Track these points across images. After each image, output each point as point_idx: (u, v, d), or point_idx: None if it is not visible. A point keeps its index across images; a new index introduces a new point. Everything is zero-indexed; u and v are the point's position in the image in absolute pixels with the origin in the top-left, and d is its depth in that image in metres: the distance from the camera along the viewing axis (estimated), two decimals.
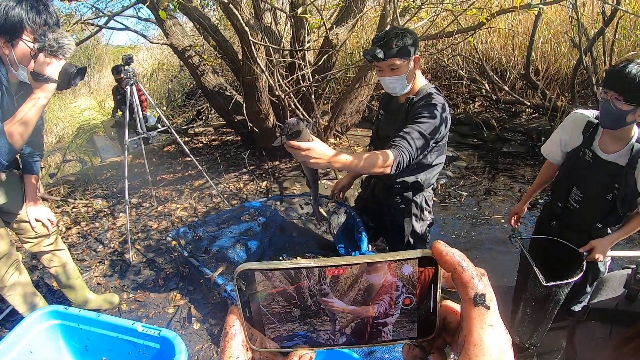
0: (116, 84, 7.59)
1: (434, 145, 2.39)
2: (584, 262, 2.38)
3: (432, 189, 2.74)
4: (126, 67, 3.97)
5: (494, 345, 0.38)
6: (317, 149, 1.79)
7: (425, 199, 2.71)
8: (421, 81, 2.46)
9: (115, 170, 6.46)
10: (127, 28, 5.13)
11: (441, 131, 2.32)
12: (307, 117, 4.75)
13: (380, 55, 2.25)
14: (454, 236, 4.41)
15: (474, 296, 0.39)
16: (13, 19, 1.99)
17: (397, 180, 2.58)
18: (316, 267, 0.43)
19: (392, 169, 2.14)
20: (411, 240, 2.79)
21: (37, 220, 2.75)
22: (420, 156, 2.30)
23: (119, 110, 7.87)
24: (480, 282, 0.39)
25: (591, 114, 2.39)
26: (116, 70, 7.07)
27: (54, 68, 2.04)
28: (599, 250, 2.44)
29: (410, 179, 2.57)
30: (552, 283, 2.37)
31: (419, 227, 2.76)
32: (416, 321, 0.45)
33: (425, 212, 2.75)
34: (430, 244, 2.87)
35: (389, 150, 2.15)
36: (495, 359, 0.37)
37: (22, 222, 2.73)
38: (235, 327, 0.45)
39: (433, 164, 2.55)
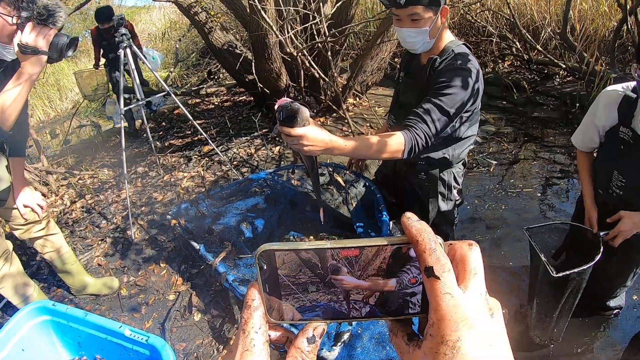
0: (98, 31, 6.46)
1: (464, 116, 2.00)
2: (601, 245, 2.10)
3: (462, 164, 2.34)
4: (119, 30, 3.59)
5: (451, 312, 0.39)
6: (310, 135, 1.53)
7: (455, 176, 2.31)
8: (447, 37, 2.02)
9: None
10: None
11: (470, 102, 1.92)
12: (311, 97, 4.33)
13: (399, 1, 1.83)
14: (483, 210, 4.01)
15: (424, 269, 0.40)
16: None
17: (421, 156, 2.19)
18: (331, 248, 0.45)
19: (403, 155, 1.81)
20: (436, 223, 2.42)
21: (25, 207, 2.53)
22: (443, 134, 1.93)
23: (103, 61, 6.76)
24: (431, 255, 0.40)
25: (624, 87, 1.99)
26: (103, 17, 6.03)
27: (43, 39, 1.76)
28: (627, 224, 2.08)
29: (436, 154, 2.18)
30: (562, 273, 2.08)
31: (446, 207, 2.37)
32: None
33: (454, 191, 2.36)
34: (457, 227, 2.52)
35: (400, 132, 1.81)
36: (455, 322, 0.39)
37: (10, 209, 2.53)
38: (257, 301, 0.47)
39: (463, 137, 2.15)
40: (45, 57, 1.79)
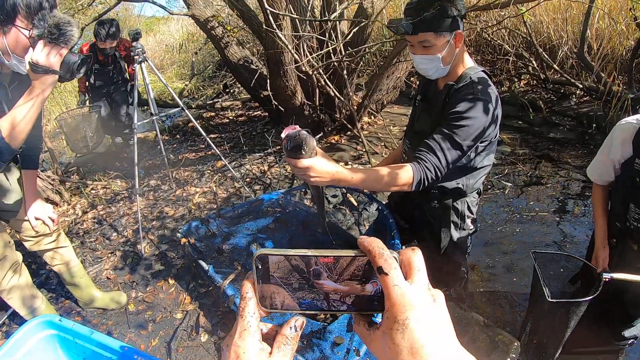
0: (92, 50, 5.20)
1: (480, 146, 1.95)
2: (600, 286, 2.10)
3: (477, 192, 2.27)
4: (134, 44, 3.57)
5: (398, 298, 0.50)
6: (317, 167, 1.50)
7: (469, 205, 2.25)
8: (467, 63, 1.96)
9: (139, 147, 6.16)
10: None
11: (488, 132, 1.86)
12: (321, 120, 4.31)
13: (405, 29, 1.79)
14: (496, 234, 3.94)
15: (377, 269, 0.52)
16: (5, 2, 1.69)
17: (434, 185, 2.14)
18: (312, 255, 0.57)
19: (411, 188, 1.77)
20: (448, 252, 2.37)
21: (36, 219, 2.52)
22: (457, 164, 1.89)
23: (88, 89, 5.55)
24: (380, 258, 0.52)
25: (639, 119, 1.96)
26: (106, 33, 4.87)
27: (55, 58, 1.72)
28: None
29: (449, 184, 2.12)
30: (557, 300, 2.16)
31: (459, 236, 2.31)
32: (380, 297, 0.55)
33: (468, 221, 2.28)
34: (470, 254, 2.48)
35: (409, 165, 1.76)
36: (403, 306, 0.50)
37: (21, 221, 2.52)
38: (250, 293, 0.59)
39: (478, 166, 2.08)
40: (56, 76, 1.75)
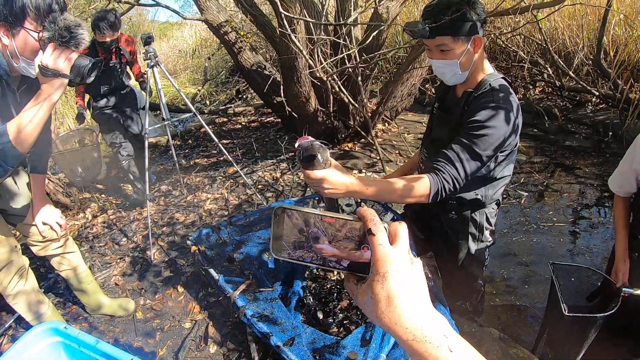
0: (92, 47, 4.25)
1: (500, 156, 1.89)
2: (620, 301, 2.06)
3: (496, 203, 2.21)
4: (146, 48, 3.53)
5: (381, 255, 0.61)
6: (330, 178, 1.47)
7: (487, 216, 2.18)
8: (487, 70, 1.90)
9: (151, 152, 6.14)
10: (158, 4, 4.75)
11: (508, 141, 1.79)
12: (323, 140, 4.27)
13: (422, 32, 1.73)
14: (513, 245, 3.86)
15: (367, 231, 0.63)
16: (15, 3, 1.67)
17: (452, 196, 2.07)
18: (319, 214, 0.67)
19: (428, 199, 1.71)
20: (465, 264, 2.30)
21: (44, 224, 2.49)
22: (472, 178, 1.82)
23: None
24: (370, 222, 0.63)
25: None
26: (106, 23, 4.02)
27: (65, 61, 1.69)
28: None
29: (468, 195, 2.06)
30: (574, 314, 2.09)
31: (476, 248, 2.24)
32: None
33: (486, 233, 2.22)
34: (487, 267, 2.41)
35: (426, 176, 1.71)
36: (384, 261, 0.60)
37: (28, 225, 2.49)
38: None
39: (498, 177, 2.03)
40: (66, 80, 1.72)
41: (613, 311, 2.02)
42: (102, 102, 4.51)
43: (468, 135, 1.73)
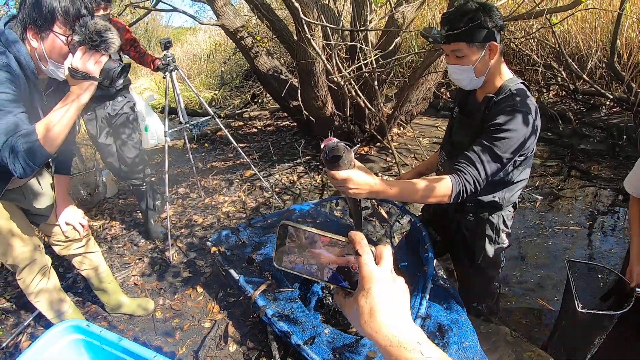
0: None
1: (518, 160, 1.93)
2: (632, 301, 2.08)
3: (512, 206, 2.25)
4: (165, 52, 3.58)
5: (367, 273, 0.71)
6: (355, 179, 1.51)
7: (504, 219, 2.22)
8: (506, 75, 1.95)
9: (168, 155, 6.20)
10: (174, 9, 4.82)
11: (527, 144, 1.84)
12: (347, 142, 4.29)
13: (437, 37, 1.81)
14: (529, 248, 3.87)
15: (355, 252, 0.73)
16: (44, 7, 1.71)
17: (471, 198, 2.11)
18: (317, 233, 0.76)
19: (450, 200, 1.75)
20: (482, 266, 2.34)
21: (67, 224, 2.53)
22: (494, 178, 1.87)
23: None
24: (359, 244, 0.73)
25: None
26: None
27: (94, 64, 1.74)
28: None
29: (486, 198, 2.11)
30: (587, 311, 2.11)
31: (492, 251, 2.28)
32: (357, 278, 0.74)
33: (502, 235, 2.26)
34: (503, 269, 2.44)
35: (448, 177, 1.75)
36: (369, 279, 0.71)
37: (51, 225, 2.53)
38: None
39: (515, 180, 2.07)
40: (95, 83, 1.77)
41: (626, 309, 2.04)
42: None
43: (489, 138, 1.78)
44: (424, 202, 1.85)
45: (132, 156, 3.76)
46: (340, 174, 1.49)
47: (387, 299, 0.70)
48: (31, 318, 3.05)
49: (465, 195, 1.76)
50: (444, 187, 1.73)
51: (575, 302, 2.11)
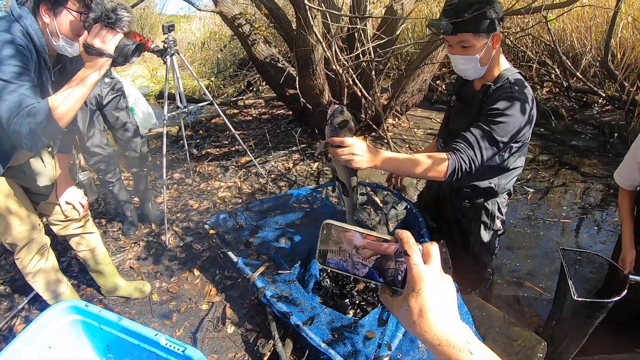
0: None
1: (514, 147, 1.98)
2: (627, 288, 2.16)
3: (507, 193, 2.30)
4: (167, 36, 3.57)
5: (416, 274, 0.70)
6: (359, 145, 1.54)
7: (499, 206, 2.27)
8: (503, 64, 1.99)
9: (160, 142, 6.19)
10: None
11: (523, 132, 1.88)
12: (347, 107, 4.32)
13: (446, 28, 1.81)
14: (520, 239, 3.94)
15: (404, 252, 0.72)
16: None
17: (467, 183, 2.17)
18: (363, 232, 0.76)
19: (445, 176, 1.78)
20: (476, 252, 2.39)
21: (67, 203, 2.55)
22: (491, 163, 1.94)
23: None
24: (407, 244, 0.72)
25: None
26: None
27: (110, 41, 1.77)
28: None
29: (482, 183, 2.15)
30: (583, 299, 2.18)
31: (487, 236, 2.33)
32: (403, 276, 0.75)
33: (497, 221, 2.31)
34: (496, 255, 2.49)
35: (445, 154, 1.79)
36: (418, 279, 0.70)
37: (51, 204, 2.55)
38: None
39: (511, 167, 2.12)
40: (109, 61, 1.79)
41: (621, 297, 2.10)
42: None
43: (487, 122, 1.82)
44: (421, 177, 1.88)
45: (133, 139, 3.74)
46: (348, 140, 1.51)
47: (436, 300, 0.70)
48: (25, 302, 3.05)
49: (460, 174, 1.80)
50: (441, 163, 1.76)
51: (571, 290, 2.16)
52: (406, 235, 0.74)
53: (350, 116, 1.49)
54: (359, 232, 0.76)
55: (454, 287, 0.74)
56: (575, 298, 2.13)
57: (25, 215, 2.37)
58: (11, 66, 1.75)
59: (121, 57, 1.80)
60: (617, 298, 2.10)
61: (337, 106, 1.50)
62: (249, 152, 4.21)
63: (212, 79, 10.04)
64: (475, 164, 1.80)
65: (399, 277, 0.75)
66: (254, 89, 8.88)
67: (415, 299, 0.70)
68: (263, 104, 7.70)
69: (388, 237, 0.76)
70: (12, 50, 1.78)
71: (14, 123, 1.69)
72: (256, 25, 5.38)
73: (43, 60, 1.96)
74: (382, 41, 4.03)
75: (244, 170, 4.94)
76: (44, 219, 2.66)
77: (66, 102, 1.73)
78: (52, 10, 1.83)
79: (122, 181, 3.92)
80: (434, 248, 0.74)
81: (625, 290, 2.12)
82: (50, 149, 2.48)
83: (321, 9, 3.51)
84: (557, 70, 6.55)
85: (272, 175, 4.75)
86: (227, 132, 6.29)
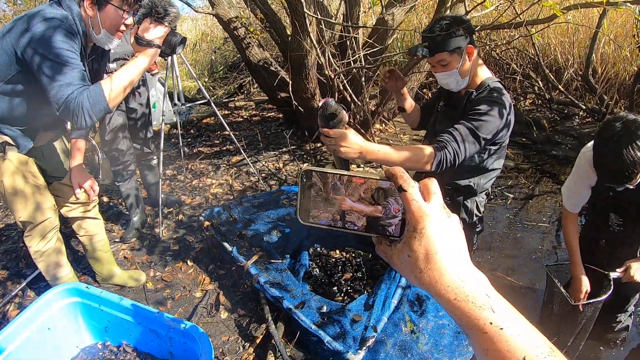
0: None
1: (492, 149, 2.17)
2: (611, 282, 2.33)
3: (485, 194, 2.49)
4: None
5: (416, 210, 0.59)
6: (347, 137, 1.66)
7: (477, 205, 2.46)
8: (484, 73, 2.20)
9: (154, 139, 6.28)
10: None
11: (501, 134, 2.08)
12: (342, 104, 4.48)
13: (423, 53, 2.05)
14: (499, 240, 4.11)
15: (397, 188, 0.61)
16: None
17: (449, 181, 2.35)
18: (347, 175, 0.66)
19: (431, 167, 1.94)
20: None
21: (80, 187, 2.67)
22: (471, 157, 2.08)
23: None
24: (400, 178, 0.61)
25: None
26: None
27: (158, 34, 2.04)
28: (635, 270, 2.31)
29: (462, 182, 2.33)
30: (579, 302, 2.36)
31: (466, 233, 2.49)
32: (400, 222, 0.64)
33: (475, 219, 2.49)
34: (475, 252, 2.65)
35: (431, 146, 1.95)
36: (420, 216, 0.58)
37: (64, 186, 2.68)
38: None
39: (490, 168, 2.30)
40: (158, 51, 2.04)
41: (609, 293, 2.29)
42: None
43: (470, 120, 2.01)
44: (408, 168, 2.02)
45: (143, 129, 3.80)
46: (335, 131, 1.65)
47: (445, 240, 0.57)
48: (19, 288, 3.12)
49: (445, 165, 1.95)
50: (427, 155, 1.92)
51: (568, 299, 2.36)
52: (399, 170, 0.62)
53: (338, 108, 1.61)
54: (343, 174, 0.66)
55: (461, 226, 0.62)
56: (573, 303, 2.34)
57: (42, 195, 2.46)
58: (66, 51, 1.95)
59: (168, 49, 2.07)
60: (605, 296, 2.29)
61: (328, 100, 1.63)
62: (242, 151, 4.34)
63: (206, 79, 10.15)
64: (459, 156, 1.97)
65: (394, 227, 0.64)
66: (245, 91, 9.01)
67: (419, 240, 0.57)
68: (254, 106, 7.84)
69: (377, 176, 0.65)
70: (67, 35, 1.99)
71: (74, 100, 1.87)
72: (252, 29, 5.52)
73: (83, 49, 2.15)
74: (372, 50, 4.20)
75: (235, 168, 5.08)
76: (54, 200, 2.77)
77: (118, 85, 1.97)
78: (97, 4, 2.05)
79: (136, 180, 3.86)
80: (432, 183, 0.62)
81: (612, 289, 2.29)
82: (66, 133, 2.66)
83: (317, 16, 3.67)
84: (540, 82, 6.77)
85: (263, 174, 4.90)
86: (219, 132, 6.44)
